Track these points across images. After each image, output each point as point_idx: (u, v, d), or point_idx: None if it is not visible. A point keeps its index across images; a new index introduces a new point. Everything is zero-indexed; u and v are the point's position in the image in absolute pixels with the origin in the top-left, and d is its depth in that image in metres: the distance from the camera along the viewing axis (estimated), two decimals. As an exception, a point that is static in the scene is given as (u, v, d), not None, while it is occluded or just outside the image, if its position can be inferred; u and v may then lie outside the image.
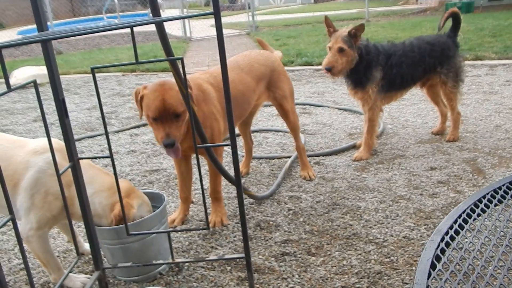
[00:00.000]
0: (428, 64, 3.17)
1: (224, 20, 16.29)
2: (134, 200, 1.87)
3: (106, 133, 1.60)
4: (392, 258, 1.98)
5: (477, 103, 4.21)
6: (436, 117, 3.85)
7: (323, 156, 3.23)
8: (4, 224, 1.24)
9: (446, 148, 3.17)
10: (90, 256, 2.15)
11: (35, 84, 1.46)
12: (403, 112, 4.10)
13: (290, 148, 3.44)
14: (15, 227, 1.29)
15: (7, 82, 1.31)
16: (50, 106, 5.16)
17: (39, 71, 7.02)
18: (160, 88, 1.99)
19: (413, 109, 4.16)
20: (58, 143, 1.84)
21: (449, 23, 3.31)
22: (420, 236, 2.13)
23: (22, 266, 2.15)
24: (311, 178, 2.85)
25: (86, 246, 2.15)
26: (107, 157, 1.67)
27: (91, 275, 1.98)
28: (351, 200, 2.54)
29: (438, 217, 2.28)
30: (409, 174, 2.81)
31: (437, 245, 1.28)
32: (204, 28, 12.73)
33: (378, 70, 3.03)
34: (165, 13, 18.32)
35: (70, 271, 1.59)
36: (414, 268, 1.90)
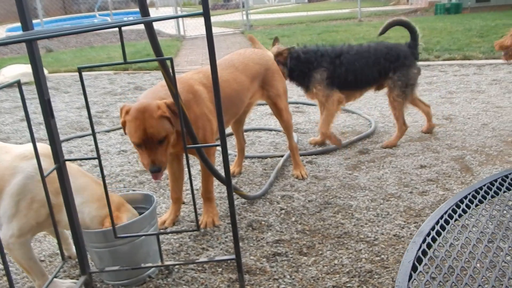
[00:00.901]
0: (384, 67, 3.19)
1: (218, 18, 16.27)
2: (124, 214, 1.84)
3: (94, 135, 1.58)
4: (382, 256, 1.98)
5: (465, 102, 4.24)
6: (427, 115, 3.88)
7: (315, 155, 3.23)
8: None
9: (435, 146, 3.18)
10: (76, 260, 2.12)
11: (19, 85, 1.44)
12: (395, 111, 4.10)
13: (282, 147, 3.44)
14: None
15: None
16: (38, 106, 5.10)
17: (28, 69, 6.94)
18: (141, 116, 1.94)
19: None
20: (47, 148, 1.80)
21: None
22: (410, 234, 2.13)
23: (3, 272, 2.12)
24: (303, 177, 2.84)
25: (74, 249, 2.11)
26: (94, 158, 1.65)
27: (77, 279, 1.96)
28: (343, 199, 2.54)
29: (428, 214, 2.29)
30: (400, 172, 2.81)
31: (419, 246, 1.28)
32: (198, 26, 12.68)
33: (319, 71, 3.15)
34: (158, 11, 18.25)
35: (55, 276, 1.56)
36: (405, 267, 1.89)
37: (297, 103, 4.65)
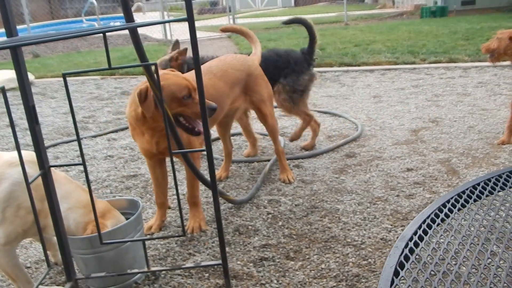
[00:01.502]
0: (274, 75, 3.11)
1: (205, 23, 16.25)
2: (109, 221, 1.83)
3: (79, 141, 1.57)
4: (369, 260, 1.99)
5: (451, 105, 4.29)
6: (412, 118, 3.92)
7: (302, 159, 3.24)
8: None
9: (422, 149, 3.22)
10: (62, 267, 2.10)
11: (3, 91, 1.42)
12: (380, 114, 4.14)
13: (269, 151, 3.44)
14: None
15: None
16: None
17: (15, 75, 6.87)
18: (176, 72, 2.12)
19: (390, 111, 4.21)
20: (33, 155, 1.78)
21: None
22: (397, 237, 2.14)
23: (-6, 277, 2.09)
24: (290, 181, 2.85)
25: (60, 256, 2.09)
26: (79, 164, 1.64)
27: (63, 286, 1.93)
28: (330, 202, 2.55)
29: (414, 218, 2.30)
30: (386, 176, 2.83)
31: (401, 251, 1.29)
32: (185, 30, 12.49)
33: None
34: (146, 16, 18.18)
35: (41, 283, 1.54)
36: (391, 270, 1.91)
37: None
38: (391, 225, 2.26)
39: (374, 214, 2.38)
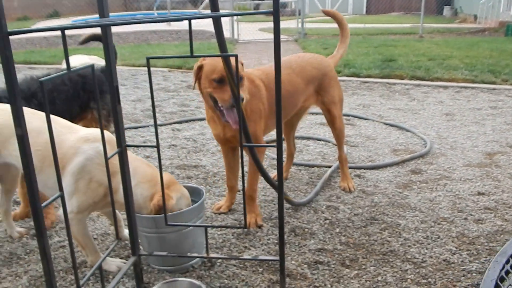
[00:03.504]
0: (83, 100, 2.68)
1: (272, 24, 16.33)
2: (173, 193, 1.89)
3: (155, 123, 1.62)
4: (430, 280, 1.90)
5: (533, 131, 4.01)
6: (488, 141, 3.70)
7: (364, 169, 3.16)
8: (54, 200, 1.27)
9: (496, 174, 3.03)
10: (126, 241, 2.19)
11: (92, 69, 1.50)
12: (452, 133, 3.95)
13: (330, 158, 3.39)
14: (63, 204, 1.33)
15: (68, 64, 1.35)
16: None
17: (89, 60, 7.27)
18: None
19: (463, 131, 4.01)
20: (108, 135, 1.88)
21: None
22: (462, 261, 2.03)
23: (62, 244, 2.22)
24: (350, 190, 2.79)
25: (125, 232, 2.19)
26: (153, 146, 1.70)
27: (126, 260, 2.02)
28: (391, 216, 2.46)
29: (483, 243, 2.17)
30: (454, 197, 2.70)
31: (502, 266, 1.21)
32: (252, 31, 12.81)
33: None
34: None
35: (108, 254, 1.62)
36: (452, 293, 1.81)
37: (348, 115, 4.58)
38: (456, 248, 2.14)
39: (438, 234, 2.27)
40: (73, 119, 2.61)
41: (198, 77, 2.16)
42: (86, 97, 2.69)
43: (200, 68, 2.14)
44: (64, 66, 7.18)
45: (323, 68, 2.66)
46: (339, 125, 2.75)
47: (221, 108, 2.10)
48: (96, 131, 1.89)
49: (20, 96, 1.15)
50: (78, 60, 7.11)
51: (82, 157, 1.80)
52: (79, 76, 2.68)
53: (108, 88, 2.71)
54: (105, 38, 1.63)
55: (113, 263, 1.95)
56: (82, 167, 1.79)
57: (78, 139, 1.84)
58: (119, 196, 1.76)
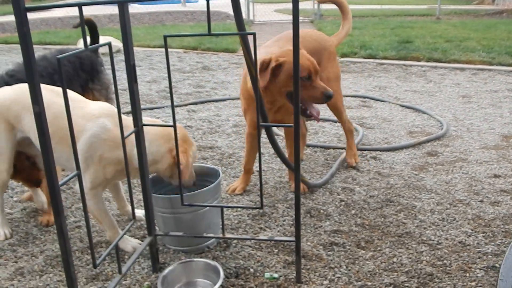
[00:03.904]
0: (83, 80, 2.77)
1: (288, 5, 16.13)
2: (189, 147, 1.89)
3: (172, 104, 1.63)
4: (445, 261, 1.89)
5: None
6: (505, 123, 3.64)
7: (380, 151, 3.14)
8: (71, 178, 1.29)
9: (514, 157, 2.99)
10: (141, 222, 2.22)
11: (109, 47, 1.50)
12: (469, 115, 3.89)
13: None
14: (80, 182, 1.35)
15: (85, 42, 1.36)
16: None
17: (104, 40, 7.26)
18: (300, 52, 2.06)
19: (480, 113, 3.94)
20: (110, 109, 1.88)
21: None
22: (477, 243, 2.02)
23: (78, 224, 2.26)
24: (355, 162, 2.85)
25: (138, 213, 2.21)
26: (170, 126, 1.71)
27: (142, 241, 2.04)
28: (407, 198, 2.45)
29: (499, 226, 2.16)
30: (470, 179, 2.67)
31: None
32: (268, 12, 12.66)
33: None
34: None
35: (124, 234, 1.64)
36: (468, 274, 1.81)
37: (364, 97, 4.54)
38: (472, 230, 2.13)
39: (454, 216, 2.25)
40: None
41: (274, 75, 2.10)
42: (85, 77, 2.77)
43: (278, 66, 2.09)
44: (80, 45, 7.22)
45: (324, 42, 2.66)
46: (333, 100, 2.65)
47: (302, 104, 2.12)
48: (100, 106, 1.89)
49: (37, 73, 1.16)
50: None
51: (88, 134, 1.79)
52: (76, 57, 2.73)
53: (102, 69, 2.85)
54: (122, 16, 1.62)
55: (129, 243, 1.98)
56: (89, 145, 1.79)
57: (83, 116, 1.82)
58: (134, 164, 1.76)
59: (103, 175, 1.84)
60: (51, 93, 1.87)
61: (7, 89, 2.03)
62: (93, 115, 1.83)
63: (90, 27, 2.84)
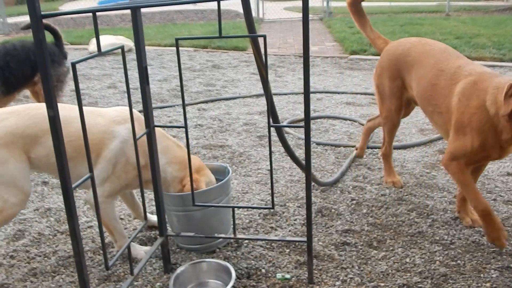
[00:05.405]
0: (33, 63, 3.29)
1: (297, 3, 16.09)
2: (202, 178, 1.90)
3: (183, 105, 1.63)
4: (459, 262, 1.88)
5: None
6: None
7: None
8: (84, 181, 1.30)
9: (527, 155, 2.95)
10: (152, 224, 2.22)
11: (122, 50, 1.51)
12: (481, 112, 3.85)
13: (357, 137, 3.35)
14: (93, 186, 1.36)
15: (99, 46, 1.36)
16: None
17: (116, 41, 7.33)
18: None
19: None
20: (135, 113, 1.88)
21: None
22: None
23: (89, 224, 2.27)
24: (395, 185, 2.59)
25: (152, 218, 2.19)
26: (181, 127, 1.71)
27: (152, 243, 2.05)
28: (418, 197, 2.44)
29: (513, 226, 2.14)
30: (483, 178, 2.64)
31: None
32: (277, 10, 12.66)
33: None
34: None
35: (136, 235, 1.65)
36: (482, 275, 1.79)
37: (374, 94, 4.50)
38: (486, 230, 2.11)
39: (467, 216, 2.23)
40: (26, 78, 3.33)
41: None
42: (35, 62, 3.22)
43: None
44: (91, 47, 7.28)
45: None
46: None
47: None
48: (117, 110, 1.87)
49: (52, 78, 1.17)
50: (105, 41, 7.20)
51: (118, 140, 1.78)
52: (31, 43, 3.34)
53: (59, 59, 3.48)
54: (134, 19, 1.63)
55: (141, 249, 1.96)
56: (119, 150, 1.77)
57: (109, 122, 1.81)
58: (149, 173, 1.77)
59: (124, 181, 1.82)
60: (71, 112, 1.81)
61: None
62: (119, 122, 1.82)
63: (51, 32, 3.49)
